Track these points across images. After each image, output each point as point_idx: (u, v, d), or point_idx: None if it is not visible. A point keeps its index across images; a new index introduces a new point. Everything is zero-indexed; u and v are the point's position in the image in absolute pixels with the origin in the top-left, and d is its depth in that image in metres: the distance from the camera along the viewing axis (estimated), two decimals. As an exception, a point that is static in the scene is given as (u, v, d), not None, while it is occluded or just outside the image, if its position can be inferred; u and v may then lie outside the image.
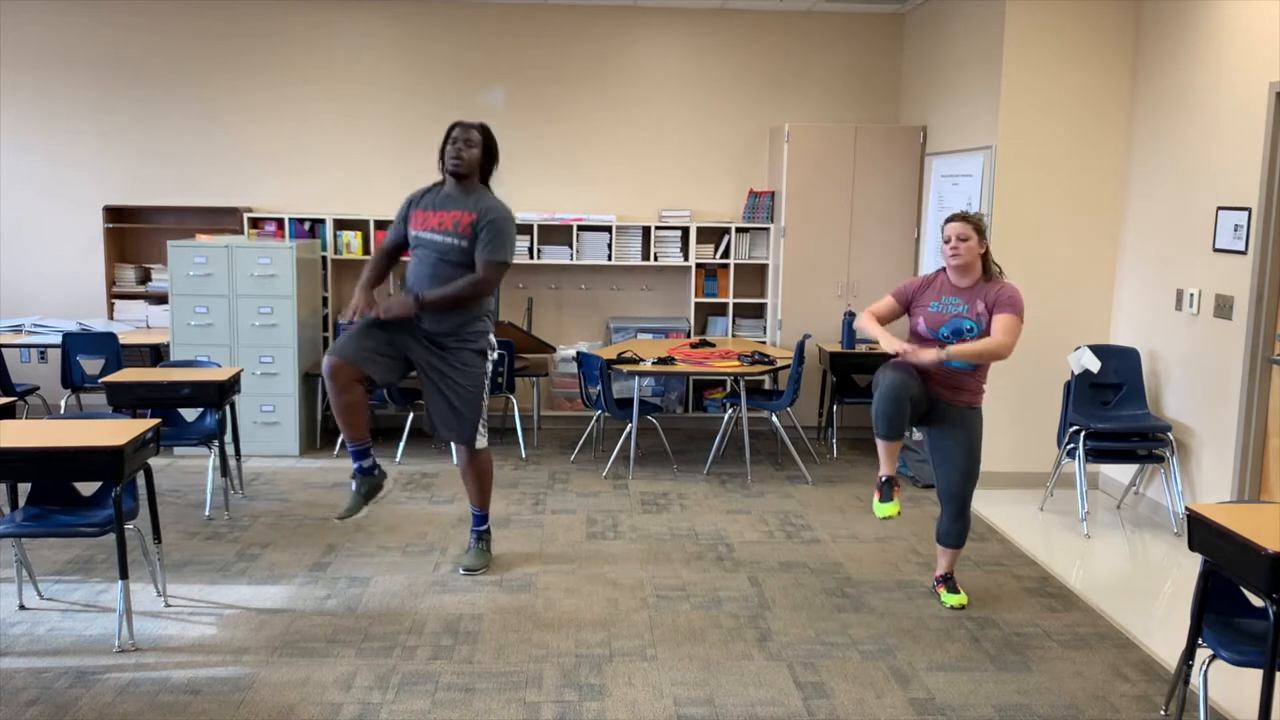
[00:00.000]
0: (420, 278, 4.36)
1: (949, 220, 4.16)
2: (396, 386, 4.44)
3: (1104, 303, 6.08)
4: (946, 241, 4.13)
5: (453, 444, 4.50)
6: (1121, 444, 5.50)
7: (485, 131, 4.40)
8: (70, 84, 7.35)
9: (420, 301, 4.27)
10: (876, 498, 4.28)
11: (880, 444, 4.23)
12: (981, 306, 4.11)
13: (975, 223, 4.12)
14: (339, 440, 6.79)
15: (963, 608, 4.33)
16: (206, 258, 6.45)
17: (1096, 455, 5.54)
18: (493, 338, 4.53)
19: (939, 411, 4.23)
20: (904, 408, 4.04)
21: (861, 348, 7.00)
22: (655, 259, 7.53)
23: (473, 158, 4.32)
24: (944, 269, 4.23)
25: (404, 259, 4.57)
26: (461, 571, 4.62)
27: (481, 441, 4.52)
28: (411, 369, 4.46)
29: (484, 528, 4.74)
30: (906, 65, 7.54)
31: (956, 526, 4.34)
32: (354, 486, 4.37)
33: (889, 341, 4.14)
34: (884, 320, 4.27)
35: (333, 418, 7.13)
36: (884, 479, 4.26)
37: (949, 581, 4.43)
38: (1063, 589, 4.58)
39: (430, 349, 4.38)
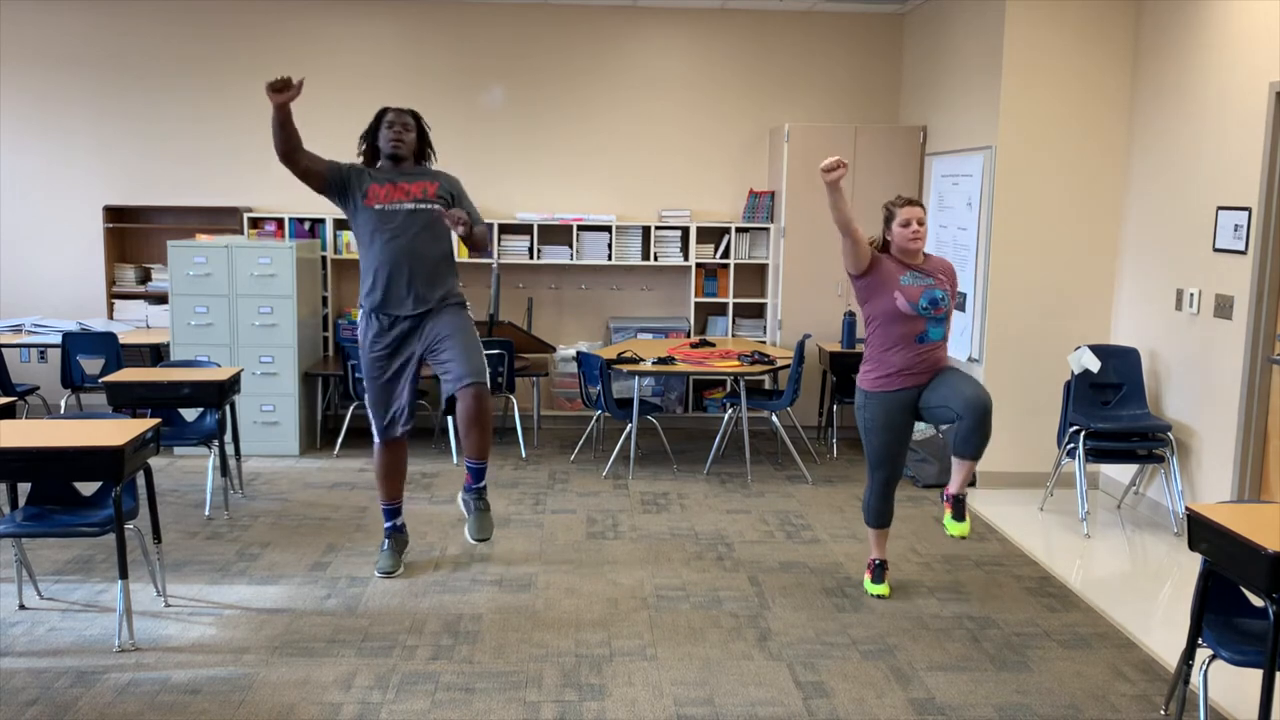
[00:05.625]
0: (400, 252, 4.32)
1: (906, 204, 4.16)
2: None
3: (1104, 303, 6.08)
4: (906, 225, 4.14)
5: (460, 395, 4.27)
6: (1121, 444, 5.50)
7: (417, 116, 4.55)
8: (70, 84, 7.35)
9: (470, 224, 4.28)
10: (869, 578, 4.54)
11: (871, 532, 4.47)
12: (941, 276, 4.21)
13: (924, 206, 4.21)
14: (339, 440, 6.80)
15: (963, 538, 4.28)
16: (206, 258, 6.45)
17: (1096, 455, 5.54)
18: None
19: (925, 390, 4.19)
20: (892, 504, 4.40)
21: (861, 348, 6.99)
22: (655, 259, 7.53)
23: (411, 140, 4.46)
24: (885, 256, 4.21)
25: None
26: (473, 540, 4.32)
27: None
28: (419, 372, 4.50)
29: (483, 484, 4.38)
30: (906, 65, 7.54)
31: (977, 436, 4.02)
32: (387, 546, 4.72)
33: (829, 176, 3.92)
34: (854, 226, 4.08)
35: (333, 417, 7.21)
36: (877, 562, 4.51)
37: (959, 505, 4.17)
38: (1063, 589, 4.58)
39: (422, 330, 4.40)
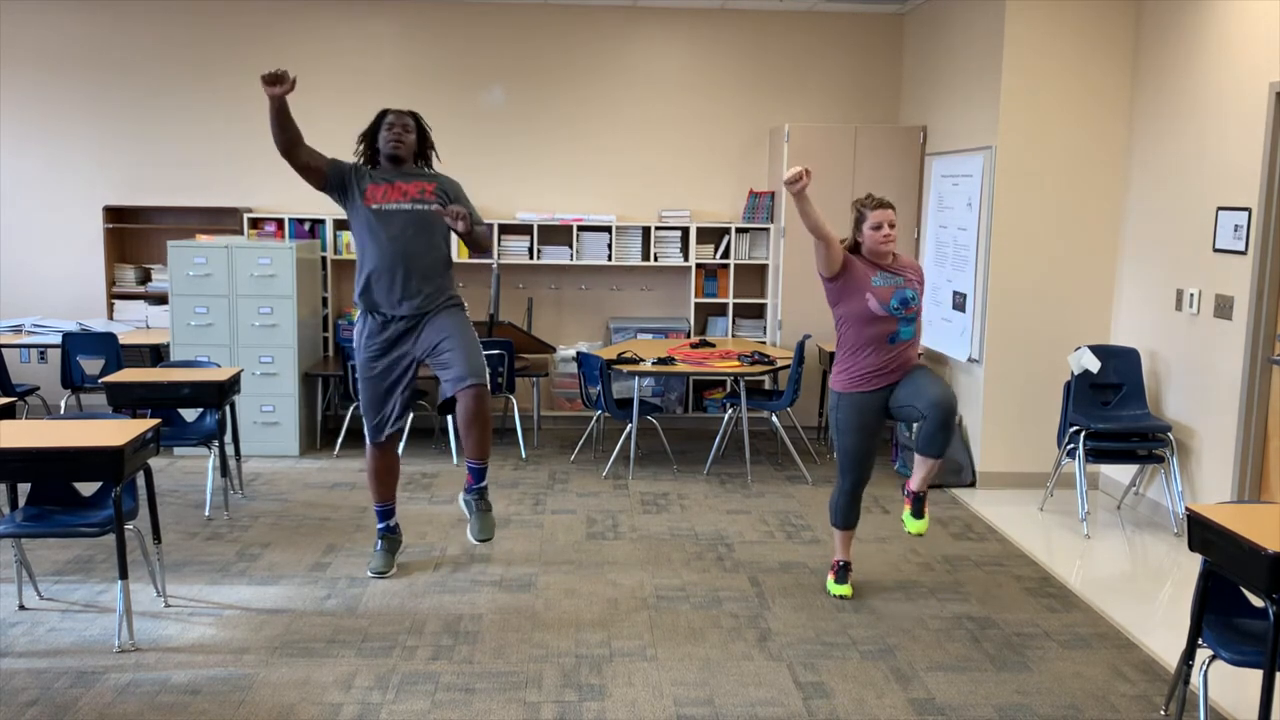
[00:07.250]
0: (396, 252, 4.29)
1: (877, 206, 4.19)
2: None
3: (1104, 303, 6.08)
4: (877, 228, 4.16)
5: (460, 396, 4.24)
6: (1121, 444, 5.50)
7: (417, 118, 4.53)
8: (70, 84, 7.35)
9: (470, 220, 4.23)
10: (832, 578, 4.52)
11: (837, 533, 4.46)
12: (911, 275, 4.23)
13: (894, 206, 4.25)
14: (339, 441, 6.80)
15: (920, 535, 4.36)
16: (206, 258, 6.45)
17: (1096, 455, 5.54)
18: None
19: (895, 389, 4.21)
20: (859, 506, 4.41)
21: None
22: (655, 259, 7.53)
23: (411, 142, 4.45)
24: (856, 256, 4.23)
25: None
26: (475, 540, 4.28)
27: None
28: (415, 375, 4.45)
29: (484, 484, 4.34)
30: (906, 65, 7.54)
31: (941, 435, 4.04)
32: (380, 546, 4.71)
33: (793, 188, 4.07)
34: (825, 230, 4.11)
35: (333, 418, 7.21)
36: (841, 563, 4.50)
37: (919, 502, 4.23)
38: (1063, 589, 4.58)
39: (420, 332, 4.36)
